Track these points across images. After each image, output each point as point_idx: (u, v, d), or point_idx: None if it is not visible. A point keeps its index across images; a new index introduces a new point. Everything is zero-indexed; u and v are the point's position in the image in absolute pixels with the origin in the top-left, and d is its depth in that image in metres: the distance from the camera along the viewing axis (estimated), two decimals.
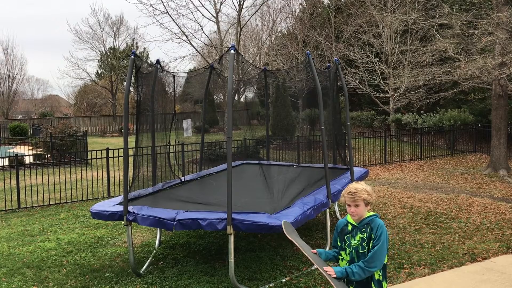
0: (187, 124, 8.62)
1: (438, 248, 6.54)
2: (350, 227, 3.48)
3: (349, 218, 3.52)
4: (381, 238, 3.32)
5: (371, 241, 3.36)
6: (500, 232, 7.25)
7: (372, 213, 3.47)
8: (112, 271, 5.83)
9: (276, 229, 4.75)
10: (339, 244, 3.53)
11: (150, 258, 6.21)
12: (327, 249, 6.19)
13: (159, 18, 29.68)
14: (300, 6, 26.99)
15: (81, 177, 11.33)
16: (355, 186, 3.44)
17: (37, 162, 14.06)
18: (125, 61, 35.96)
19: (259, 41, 26.53)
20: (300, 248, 3.51)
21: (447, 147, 17.37)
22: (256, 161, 9.56)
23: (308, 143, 12.38)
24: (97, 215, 5.65)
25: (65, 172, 11.62)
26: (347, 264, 3.45)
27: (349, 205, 3.42)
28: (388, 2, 19.89)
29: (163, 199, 6.18)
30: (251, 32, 28.24)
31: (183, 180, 7.43)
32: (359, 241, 3.40)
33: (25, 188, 10.97)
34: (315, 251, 3.51)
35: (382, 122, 23.27)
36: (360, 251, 3.39)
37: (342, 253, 3.50)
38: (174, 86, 7.41)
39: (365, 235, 3.39)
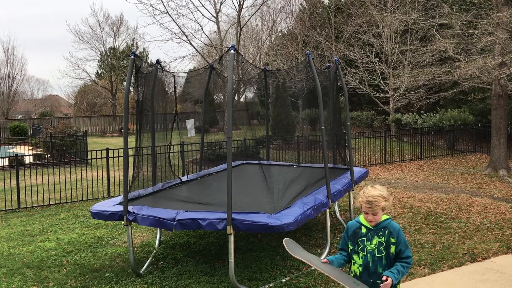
0: (190, 124, 8.63)
1: (438, 248, 6.54)
2: (364, 230, 3.37)
3: (362, 220, 3.41)
4: (406, 244, 3.31)
5: (391, 246, 3.28)
6: (500, 232, 7.25)
7: (386, 216, 3.38)
8: (112, 271, 5.83)
9: (276, 229, 4.75)
10: (351, 247, 3.41)
11: (150, 258, 6.21)
12: (327, 249, 6.21)
13: (159, 18, 29.72)
14: (300, 6, 27.01)
15: (81, 177, 11.33)
16: (373, 193, 3.28)
17: (37, 162, 14.06)
18: (125, 61, 35.95)
19: (259, 41, 26.54)
20: (310, 263, 3.36)
21: (447, 147, 17.37)
22: (256, 161, 9.56)
23: (308, 143, 12.38)
24: (97, 215, 5.65)
25: (65, 172, 11.62)
26: (360, 268, 3.35)
27: (366, 213, 3.32)
28: (388, 2, 19.90)
29: (163, 199, 6.18)
30: (251, 32, 28.26)
31: (183, 180, 7.43)
32: (375, 245, 3.31)
33: (25, 188, 10.97)
34: (325, 260, 3.39)
35: (382, 122, 23.28)
36: (376, 255, 3.30)
37: (355, 256, 3.39)
38: (174, 86, 7.41)
39: (382, 239, 3.30)
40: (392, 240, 3.30)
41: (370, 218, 3.31)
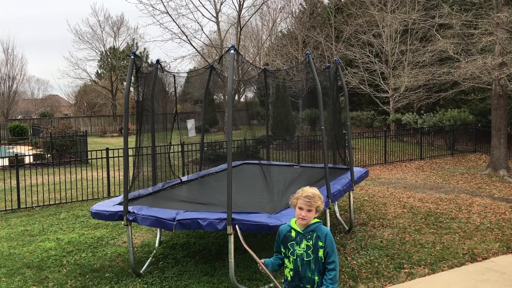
0: (190, 124, 8.64)
1: (438, 248, 6.54)
2: (294, 234, 3.34)
3: (292, 223, 3.39)
4: (333, 248, 3.29)
5: (319, 249, 3.27)
6: (500, 232, 7.25)
7: (316, 219, 3.37)
8: (112, 271, 5.83)
9: (276, 229, 4.73)
10: (283, 251, 3.39)
11: (150, 258, 6.21)
12: None
13: (159, 18, 29.68)
14: (300, 6, 27.02)
15: (81, 177, 11.33)
16: (312, 191, 3.32)
17: (37, 162, 14.06)
18: (125, 61, 35.94)
19: (259, 41, 26.53)
20: (256, 257, 3.34)
21: (447, 147, 17.37)
22: (256, 161, 9.56)
23: (308, 143, 12.38)
24: (97, 215, 5.65)
25: (65, 172, 11.62)
26: (291, 272, 3.33)
27: (301, 208, 3.27)
28: (388, 2, 19.90)
29: (163, 199, 6.18)
30: (251, 32, 28.25)
31: (183, 180, 7.43)
32: (304, 248, 3.28)
33: (25, 188, 10.97)
34: (262, 261, 3.39)
35: (382, 122, 23.28)
36: (305, 259, 3.28)
37: (286, 261, 3.37)
38: (174, 86, 7.41)
39: (310, 243, 3.28)
40: (320, 243, 3.27)
41: (304, 214, 3.27)
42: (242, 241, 3.13)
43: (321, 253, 3.28)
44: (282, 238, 3.39)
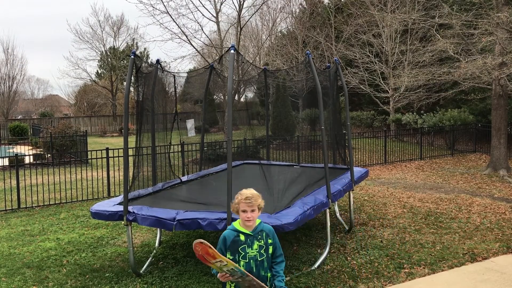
0: (190, 124, 8.64)
1: (438, 248, 6.54)
2: (243, 237, 3.34)
3: (238, 227, 3.39)
4: (278, 242, 3.44)
5: (269, 247, 3.39)
6: (500, 232, 7.25)
7: (258, 219, 3.44)
8: (112, 271, 5.83)
9: (276, 229, 4.74)
10: (230, 257, 3.33)
11: (150, 258, 6.21)
12: (327, 249, 6.21)
13: (159, 18, 29.73)
14: (300, 6, 27.02)
15: (81, 177, 11.33)
16: (250, 191, 3.36)
17: (37, 162, 14.06)
18: (125, 61, 35.95)
19: (259, 41, 26.54)
20: (231, 262, 3.16)
21: (447, 147, 17.37)
22: (256, 161, 9.55)
23: (308, 143, 12.39)
24: (97, 215, 5.65)
25: (65, 172, 11.62)
26: None
27: (245, 211, 3.30)
28: (388, 2, 19.91)
29: (163, 199, 6.18)
30: (251, 32, 28.26)
31: (183, 180, 7.43)
32: (257, 249, 3.34)
33: (25, 188, 10.97)
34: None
35: (382, 122, 23.29)
36: (259, 259, 3.35)
37: None
38: (174, 86, 7.42)
39: (262, 242, 3.36)
40: (270, 241, 3.41)
41: (249, 215, 3.31)
42: (214, 250, 3.05)
43: (271, 250, 3.41)
44: (230, 244, 3.36)
